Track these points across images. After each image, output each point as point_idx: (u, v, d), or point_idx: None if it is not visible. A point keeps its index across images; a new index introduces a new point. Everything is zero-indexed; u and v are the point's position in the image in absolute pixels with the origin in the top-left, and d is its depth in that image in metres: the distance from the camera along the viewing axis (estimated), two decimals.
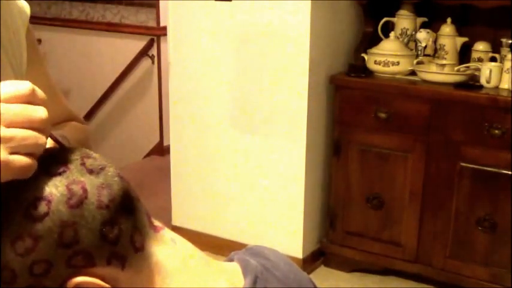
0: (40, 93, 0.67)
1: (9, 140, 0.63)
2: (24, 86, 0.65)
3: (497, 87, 2.81)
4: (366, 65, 3.09)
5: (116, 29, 4.94)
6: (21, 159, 0.64)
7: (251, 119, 3.12)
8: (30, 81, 0.68)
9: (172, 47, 3.27)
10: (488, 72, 2.81)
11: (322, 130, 3.14)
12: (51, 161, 0.69)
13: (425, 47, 3.10)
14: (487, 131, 2.72)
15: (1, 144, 0.62)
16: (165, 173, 3.65)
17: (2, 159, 0.62)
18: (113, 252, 0.68)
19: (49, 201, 0.65)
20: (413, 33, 3.14)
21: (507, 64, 2.79)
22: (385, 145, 2.96)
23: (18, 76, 0.98)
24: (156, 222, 0.77)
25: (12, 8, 1.00)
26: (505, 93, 2.75)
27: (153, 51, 4.84)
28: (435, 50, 3.11)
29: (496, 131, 2.70)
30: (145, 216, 0.74)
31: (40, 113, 0.65)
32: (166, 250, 0.74)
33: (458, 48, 3.05)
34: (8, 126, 0.63)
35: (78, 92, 5.12)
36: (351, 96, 3.00)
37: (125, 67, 4.90)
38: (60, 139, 0.74)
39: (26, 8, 1.05)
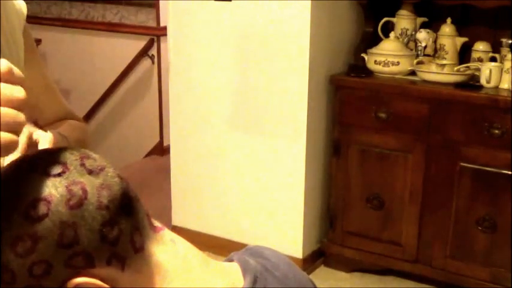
0: (17, 72, 0.66)
1: None
2: (1, 65, 0.65)
3: (497, 87, 2.81)
4: (366, 65, 3.09)
5: (115, 29, 4.94)
6: (3, 135, 0.63)
7: (251, 119, 3.12)
8: (27, 80, 0.68)
9: (172, 47, 3.27)
10: (488, 72, 2.81)
11: (322, 130, 3.14)
12: (51, 162, 0.69)
13: (425, 47, 3.10)
14: (487, 131, 2.72)
15: None
16: (165, 173, 3.64)
17: None
18: (112, 253, 0.68)
19: (49, 202, 0.65)
20: (413, 33, 3.14)
21: (507, 64, 2.79)
22: (385, 145, 2.96)
23: None
24: (156, 223, 0.77)
25: (8, 8, 1.00)
26: (505, 93, 2.75)
27: (153, 51, 4.84)
28: (435, 50, 3.11)
29: (496, 131, 2.70)
30: (145, 217, 0.74)
31: (18, 92, 0.65)
32: (166, 250, 0.74)
33: (458, 48, 3.05)
34: None
35: (78, 92, 5.12)
36: (351, 96, 3.00)
37: (125, 67, 4.89)
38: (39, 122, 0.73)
39: (23, 7, 1.05)
